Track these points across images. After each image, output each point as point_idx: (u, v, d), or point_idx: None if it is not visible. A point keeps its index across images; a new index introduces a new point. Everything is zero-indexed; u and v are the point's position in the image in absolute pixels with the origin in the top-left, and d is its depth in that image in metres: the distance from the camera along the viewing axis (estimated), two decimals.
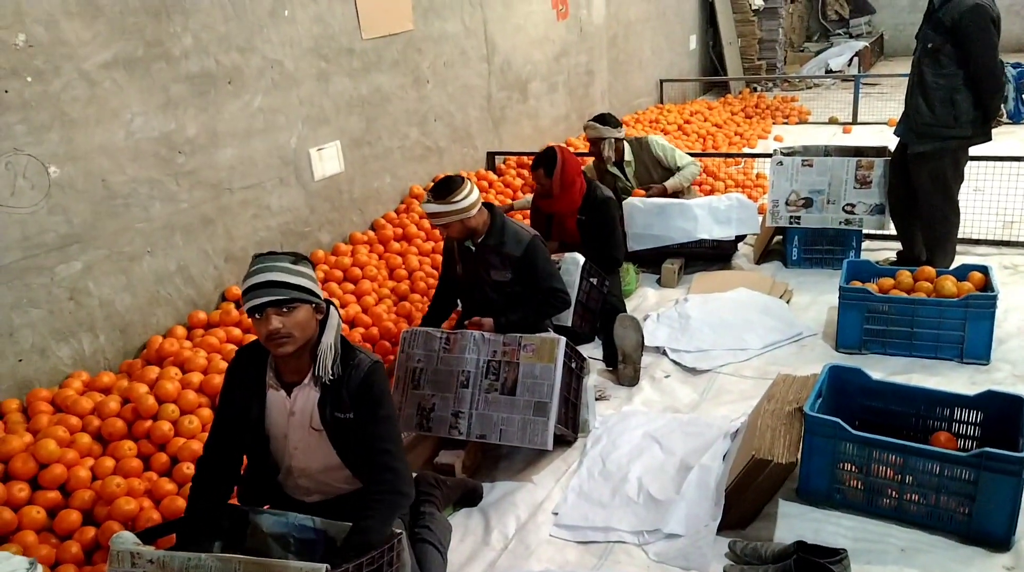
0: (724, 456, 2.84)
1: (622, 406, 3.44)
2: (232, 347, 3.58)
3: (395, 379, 3.09)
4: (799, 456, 2.59)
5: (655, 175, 5.22)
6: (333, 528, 2.22)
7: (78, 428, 2.95)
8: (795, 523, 2.60)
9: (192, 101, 3.78)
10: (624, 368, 3.63)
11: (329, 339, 2.23)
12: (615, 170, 5.17)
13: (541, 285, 3.28)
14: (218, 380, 3.17)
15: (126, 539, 2.07)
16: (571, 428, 3.10)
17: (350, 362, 2.24)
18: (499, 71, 6.47)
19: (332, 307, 2.29)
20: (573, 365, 3.06)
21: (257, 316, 2.12)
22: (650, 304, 4.52)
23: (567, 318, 3.73)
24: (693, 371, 3.72)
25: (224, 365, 3.28)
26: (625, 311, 4.04)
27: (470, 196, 3.17)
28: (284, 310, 2.09)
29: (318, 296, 2.21)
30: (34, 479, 2.72)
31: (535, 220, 4.42)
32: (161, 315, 3.76)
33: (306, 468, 2.34)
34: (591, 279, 3.90)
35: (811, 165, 4.80)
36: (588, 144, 5.20)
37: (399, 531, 2.16)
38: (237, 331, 3.76)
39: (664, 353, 3.88)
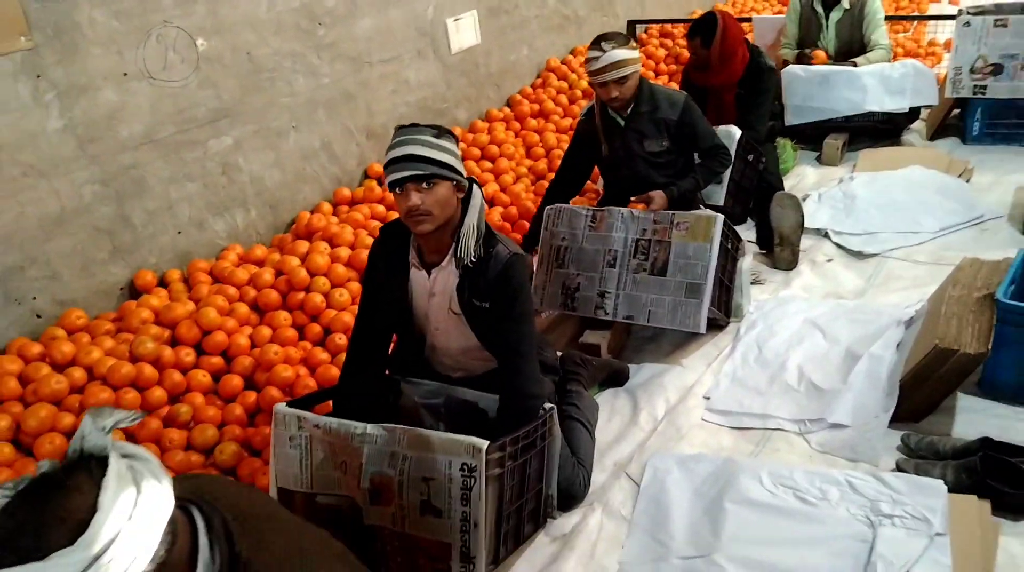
0: (898, 345, 2.60)
1: (779, 291, 3.22)
2: (376, 223, 3.59)
3: (538, 256, 3.00)
4: (989, 346, 2.32)
5: (853, 36, 4.66)
6: (483, 400, 2.20)
7: (236, 298, 3.05)
8: (977, 419, 2.37)
9: None
10: (781, 250, 3.39)
11: (472, 219, 2.12)
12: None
13: (703, 145, 3.11)
14: (365, 255, 3.19)
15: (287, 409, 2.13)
16: (724, 312, 2.93)
17: (490, 250, 2.13)
18: None
19: (474, 186, 2.18)
20: (729, 245, 2.86)
21: (397, 191, 2.03)
22: (809, 183, 4.18)
23: (719, 197, 3.49)
24: (859, 255, 3.43)
25: (370, 241, 3.28)
26: (783, 189, 3.74)
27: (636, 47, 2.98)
28: (424, 186, 1.99)
29: (460, 173, 2.08)
30: (198, 345, 2.85)
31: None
32: (308, 191, 3.80)
33: (447, 348, 2.31)
34: (747, 156, 3.61)
35: (1005, 25, 4.18)
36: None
37: (550, 406, 2.11)
38: (381, 208, 3.77)
39: (826, 235, 3.59)
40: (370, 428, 1.99)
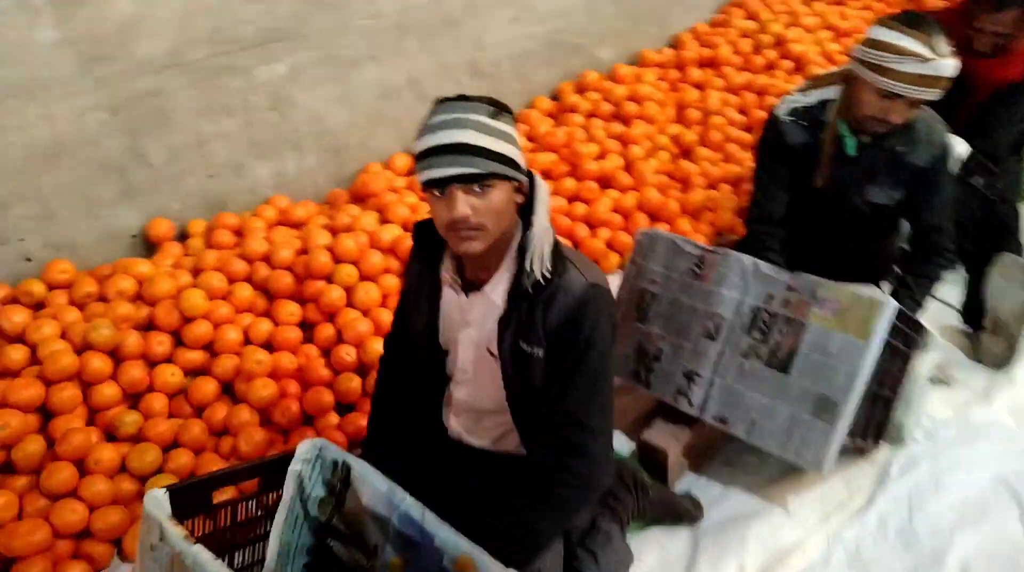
0: None
1: (971, 408, 2.18)
2: None
3: (616, 300, 2.16)
4: None
5: None
6: (444, 536, 1.47)
7: (241, 276, 2.45)
8: None
9: None
10: (991, 339, 2.31)
11: (541, 231, 1.45)
12: None
13: (927, 221, 2.10)
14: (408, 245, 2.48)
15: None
16: (871, 434, 1.97)
17: (556, 276, 1.44)
18: None
19: (537, 181, 1.47)
20: (899, 342, 1.87)
21: (436, 192, 1.38)
22: None
23: None
24: None
25: None
26: (1017, 234, 2.58)
27: None
28: (477, 189, 1.37)
29: (522, 170, 1.44)
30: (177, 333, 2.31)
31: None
32: (383, 138, 3.10)
33: (470, 403, 1.63)
34: (974, 178, 2.49)
35: None
36: None
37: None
38: None
39: None
40: None
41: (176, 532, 1.45)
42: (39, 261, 2.46)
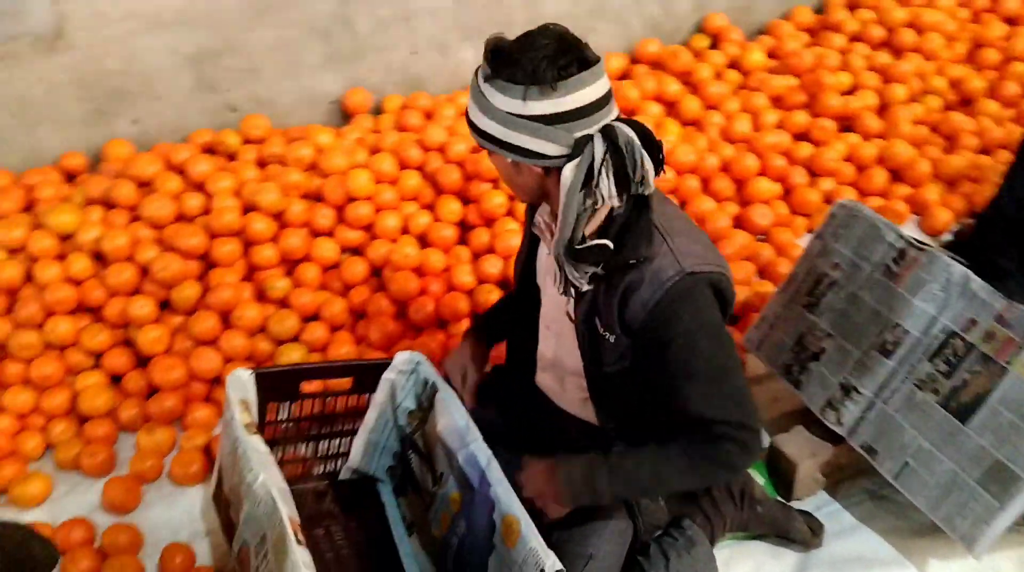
0: None
1: None
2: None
3: (790, 276, 1.82)
4: None
5: None
6: (500, 491, 1.36)
7: (416, 163, 2.40)
8: None
9: None
10: None
11: (564, 224, 1.21)
12: None
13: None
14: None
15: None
16: None
17: (645, 260, 1.24)
18: None
19: (563, 175, 1.18)
20: None
21: None
22: None
23: None
24: None
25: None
26: None
27: None
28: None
29: (521, 150, 1.20)
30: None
31: None
32: (610, 34, 2.83)
33: (552, 357, 1.51)
34: None
35: None
36: None
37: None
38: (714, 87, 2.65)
39: None
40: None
41: (240, 418, 1.49)
42: (242, 112, 2.57)
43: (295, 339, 2.13)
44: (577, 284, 1.26)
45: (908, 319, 1.57)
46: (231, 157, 2.44)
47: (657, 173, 1.19)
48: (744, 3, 2.95)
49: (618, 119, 1.21)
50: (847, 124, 2.58)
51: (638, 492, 1.39)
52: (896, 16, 2.82)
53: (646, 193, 1.21)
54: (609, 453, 1.33)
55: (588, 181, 1.17)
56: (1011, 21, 2.88)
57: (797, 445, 1.70)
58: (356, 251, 2.29)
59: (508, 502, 1.34)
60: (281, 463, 1.55)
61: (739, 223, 2.36)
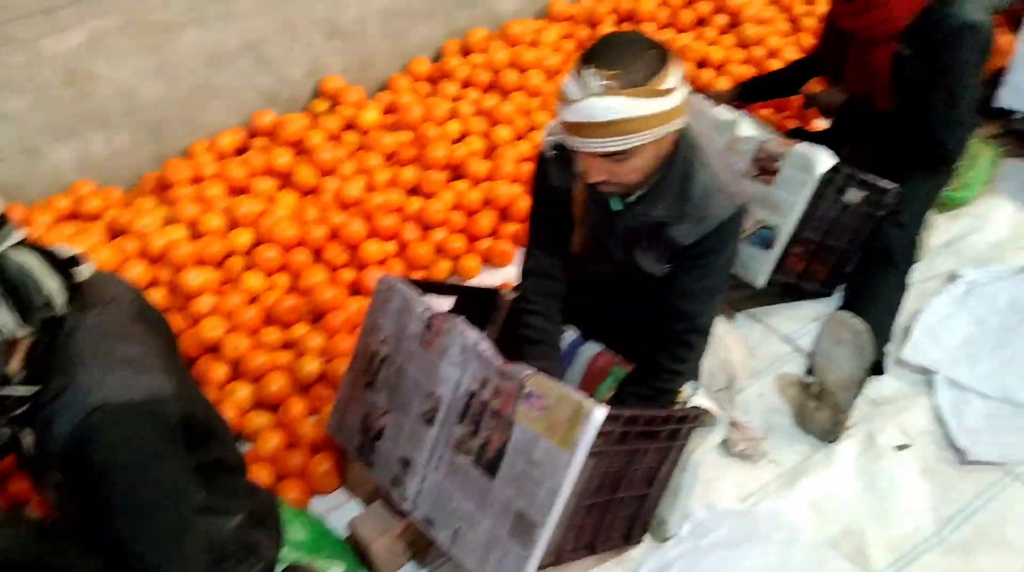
0: None
1: (767, 492, 1.82)
2: (268, 186, 2.50)
3: (353, 355, 1.85)
4: None
5: None
6: None
7: None
8: None
9: None
10: (817, 408, 1.92)
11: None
12: None
13: (677, 308, 1.71)
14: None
15: None
16: (630, 529, 1.67)
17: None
18: None
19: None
20: (671, 437, 1.54)
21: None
22: (986, 244, 2.45)
23: (762, 265, 2.05)
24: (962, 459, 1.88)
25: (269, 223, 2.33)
26: (910, 254, 2.16)
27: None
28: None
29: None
30: None
31: (825, 47, 2.41)
32: (215, 111, 2.78)
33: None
34: (849, 190, 2.06)
35: None
36: None
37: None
38: (327, 152, 2.62)
39: (934, 385, 2.02)
40: None
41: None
42: None
43: None
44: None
45: (440, 385, 1.63)
46: None
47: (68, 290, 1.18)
48: (360, 60, 3.00)
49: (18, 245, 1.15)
50: (459, 172, 2.69)
51: None
52: (499, 58, 2.97)
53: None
54: None
55: None
56: None
57: (372, 523, 1.72)
58: None
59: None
60: None
61: (357, 289, 2.38)
